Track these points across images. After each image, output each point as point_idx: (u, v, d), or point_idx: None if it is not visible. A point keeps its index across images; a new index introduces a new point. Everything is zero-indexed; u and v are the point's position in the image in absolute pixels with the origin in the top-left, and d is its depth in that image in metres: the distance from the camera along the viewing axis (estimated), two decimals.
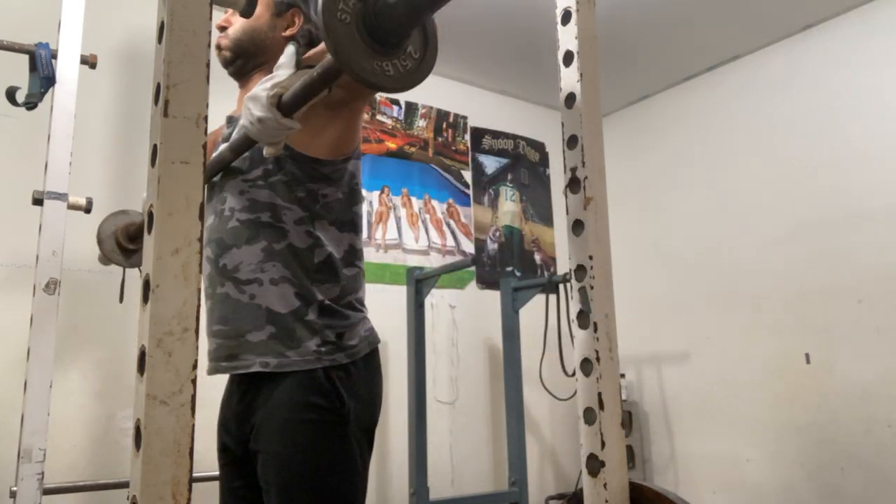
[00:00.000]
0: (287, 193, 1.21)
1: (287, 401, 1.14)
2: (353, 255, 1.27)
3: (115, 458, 2.44)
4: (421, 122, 3.67)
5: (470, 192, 3.81)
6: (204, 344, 1.09)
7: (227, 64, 1.36)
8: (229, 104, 1.43)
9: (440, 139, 3.74)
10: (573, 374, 1.03)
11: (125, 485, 2.09)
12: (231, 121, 1.37)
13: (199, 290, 0.64)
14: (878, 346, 2.92)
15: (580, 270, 0.98)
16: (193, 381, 0.62)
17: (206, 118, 0.67)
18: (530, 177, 4.12)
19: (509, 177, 4.01)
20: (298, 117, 1.03)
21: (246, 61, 1.34)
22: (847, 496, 2.95)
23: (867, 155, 3.06)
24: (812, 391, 3.13)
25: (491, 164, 3.94)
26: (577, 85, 1.02)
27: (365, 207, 3.31)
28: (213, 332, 1.23)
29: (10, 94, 1.89)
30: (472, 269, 3.68)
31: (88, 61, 1.99)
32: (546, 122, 4.19)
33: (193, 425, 0.61)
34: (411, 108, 3.64)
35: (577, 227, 1.00)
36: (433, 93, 3.68)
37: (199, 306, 0.64)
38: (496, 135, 4.00)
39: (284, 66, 1.09)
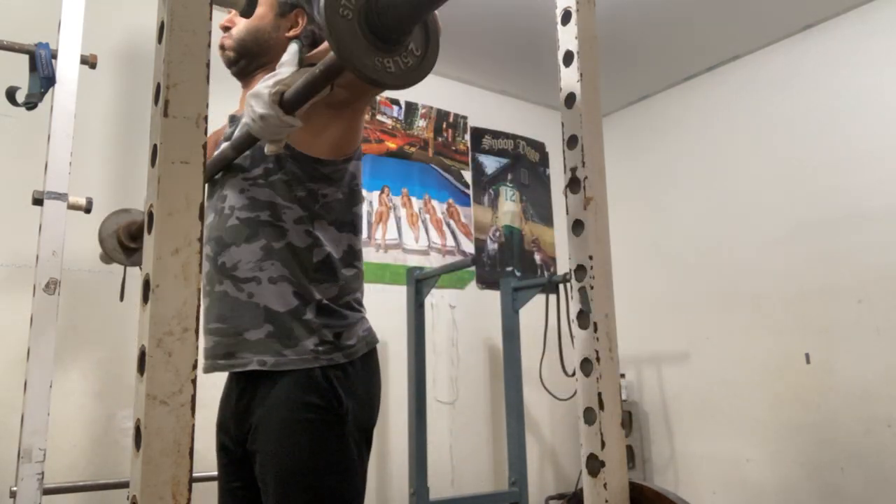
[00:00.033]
0: (287, 192, 1.21)
1: (284, 400, 1.14)
2: (352, 255, 1.27)
3: (115, 458, 2.44)
4: (421, 122, 3.67)
5: (470, 192, 3.81)
6: (201, 342, 1.09)
7: (230, 64, 1.36)
8: (229, 104, 1.43)
9: (440, 139, 3.74)
10: (573, 374, 1.03)
11: (125, 485, 2.09)
12: (234, 119, 1.37)
13: (199, 290, 0.64)
14: (878, 346, 2.92)
15: (580, 270, 0.98)
16: (193, 381, 0.62)
17: (206, 118, 0.67)
18: (530, 177, 4.12)
19: (509, 177, 4.01)
20: (300, 115, 1.04)
21: (249, 61, 1.35)
22: (847, 496, 2.95)
23: (867, 155, 3.06)
24: (812, 391, 3.13)
25: (491, 164, 3.94)
26: (577, 85, 1.02)
27: (365, 207, 3.31)
28: (210, 329, 1.23)
29: (10, 94, 1.89)
30: (472, 269, 3.68)
31: (88, 61, 1.99)
32: (546, 122, 4.19)
33: (193, 425, 0.61)
34: (411, 108, 3.64)
35: (577, 227, 1.00)
36: (433, 93, 3.68)
37: (199, 306, 0.64)
38: (496, 135, 4.00)
39: (287, 63, 1.09)
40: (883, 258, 2.95)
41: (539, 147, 4.19)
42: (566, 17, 1.06)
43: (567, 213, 1.02)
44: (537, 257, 4.02)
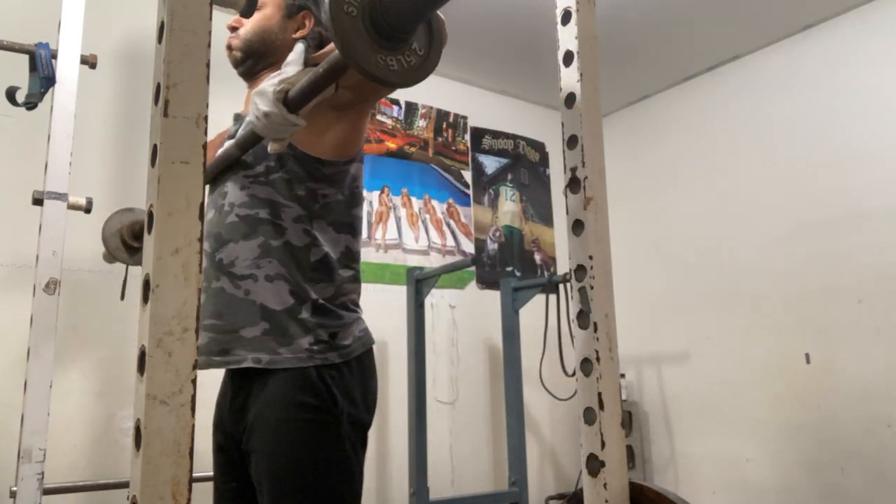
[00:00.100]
0: (287, 191, 1.21)
1: (279, 399, 1.14)
2: (349, 257, 1.27)
3: (115, 458, 2.44)
4: (421, 122, 3.67)
5: (470, 192, 3.81)
6: None
7: (237, 64, 1.37)
8: (230, 104, 1.43)
9: (440, 139, 3.74)
10: (573, 374, 1.03)
11: (125, 485, 2.09)
12: (238, 118, 1.37)
13: (199, 290, 0.64)
14: (878, 346, 2.92)
15: (580, 270, 0.98)
16: (193, 381, 0.62)
17: (206, 118, 0.67)
18: (530, 177, 4.12)
19: (509, 177, 4.01)
20: (304, 115, 1.04)
21: (256, 62, 1.35)
22: (847, 496, 2.95)
23: (867, 155, 3.06)
24: (812, 391, 3.13)
25: (491, 164, 3.94)
26: (577, 85, 1.02)
27: (365, 207, 3.31)
28: (205, 326, 1.23)
29: (10, 94, 1.89)
30: (472, 269, 3.68)
31: (88, 61, 1.99)
32: (546, 122, 4.19)
33: (193, 425, 0.61)
34: (411, 107, 3.64)
35: (577, 227, 1.00)
36: (433, 93, 3.68)
37: (198, 306, 0.64)
38: (496, 135, 4.00)
39: (293, 63, 1.10)
40: (883, 258, 2.95)
41: (539, 147, 4.19)
42: (566, 17, 1.06)
43: (567, 213, 1.02)
44: (537, 257, 4.02)
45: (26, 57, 1.90)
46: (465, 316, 3.59)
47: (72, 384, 2.41)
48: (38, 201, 1.82)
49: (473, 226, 3.77)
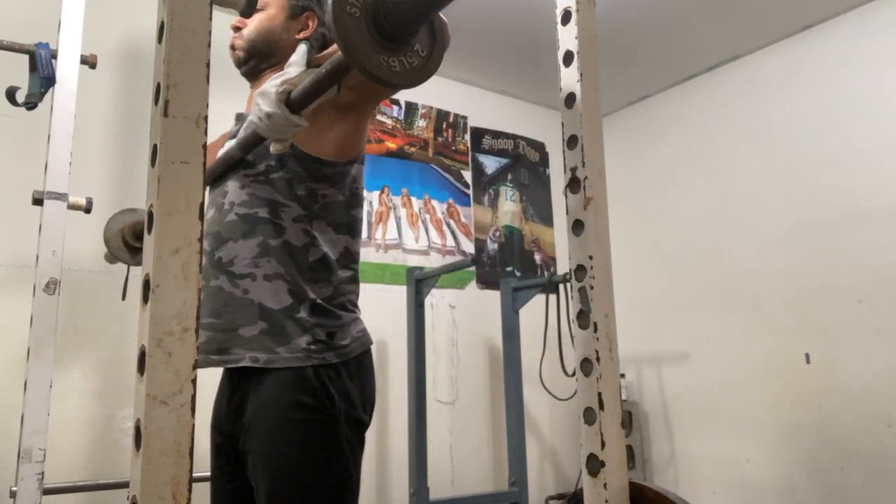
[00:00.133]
0: (287, 191, 1.21)
1: (276, 399, 1.14)
2: (348, 257, 1.27)
3: (115, 458, 2.44)
4: (421, 122, 3.67)
5: (470, 192, 3.81)
6: None
7: (240, 64, 1.37)
8: (230, 104, 1.43)
9: (440, 139, 3.74)
10: (573, 374, 1.03)
11: (125, 485, 2.09)
12: (240, 117, 1.37)
13: (199, 290, 0.64)
14: (878, 346, 2.92)
15: (580, 270, 0.98)
16: (193, 381, 0.62)
17: (206, 118, 0.67)
18: (530, 177, 4.12)
19: (509, 177, 4.01)
20: (306, 115, 1.04)
21: (259, 62, 1.35)
22: (847, 496, 2.95)
23: (867, 155, 3.06)
24: (812, 391, 3.13)
25: (491, 164, 3.94)
26: (577, 85, 1.02)
27: (365, 207, 3.31)
28: (203, 324, 1.23)
29: (10, 94, 1.89)
30: (472, 269, 3.68)
31: (88, 61, 1.99)
32: (546, 122, 4.19)
33: (193, 425, 0.61)
34: (411, 107, 3.64)
35: (577, 227, 1.00)
36: (433, 93, 3.68)
37: (198, 306, 0.64)
38: (496, 135, 4.00)
39: (296, 64, 1.10)
40: (883, 258, 2.95)
41: (539, 147, 4.19)
42: (566, 17, 1.06)
43: (567, 213, 1.02)
44: (537, 257, 4.02)
45: (26, 57, 1.90)
46: (465, 316, 3.59)
47: (72, 384, 2.41)
48: (38, 201, 1.82)
49: (473, 226, 3.77)
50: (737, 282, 3.49)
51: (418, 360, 3.00)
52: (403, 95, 3.58)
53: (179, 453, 0.60)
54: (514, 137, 4.08)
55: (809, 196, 3.24)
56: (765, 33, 3.44)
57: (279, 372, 1.15)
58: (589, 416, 0.94)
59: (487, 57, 3.65)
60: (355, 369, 1.21)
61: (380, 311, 3.19)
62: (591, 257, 0.97)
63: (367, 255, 3.26)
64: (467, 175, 3.82)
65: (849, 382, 3.01)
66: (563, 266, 4.06)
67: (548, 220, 4.14)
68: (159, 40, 0.68)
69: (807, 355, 3.16)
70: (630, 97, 4.17)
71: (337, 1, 0.80)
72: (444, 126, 3.77)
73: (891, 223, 2.95)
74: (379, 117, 3.51)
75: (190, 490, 0.60)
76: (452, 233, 3.67)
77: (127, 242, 1.73)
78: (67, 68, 1.91)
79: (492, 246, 3.83)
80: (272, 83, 1.04)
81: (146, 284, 0.63)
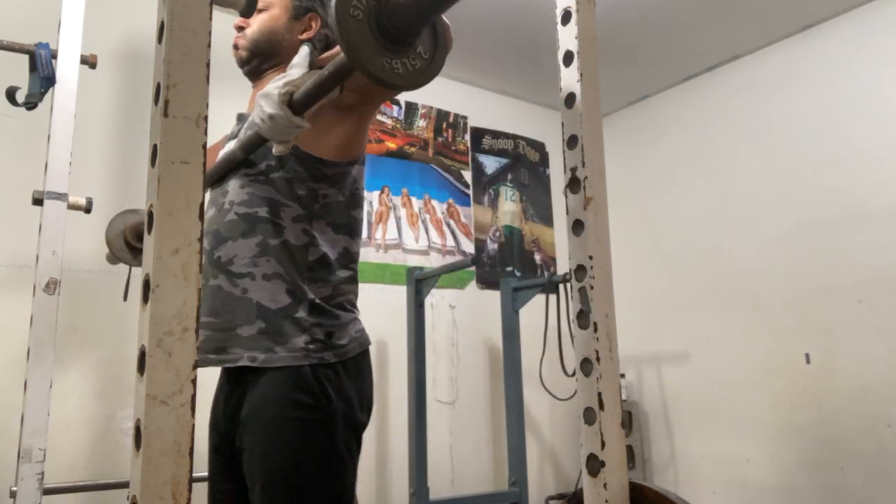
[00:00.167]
0: (288, 190, 1.21)
1: (273, 397, 1.14)
2: (348, 257, 1.27)
3: (115, 458, 2.44)
4: (421, 122, 3.67)
5: (470, 192, 3.81)
6: None
7: (242, 63, 1.37)
8: (230, 104, 1.44)
9: (440, 139, 3.74)
10: (573, 374, 1.03)
11: (125, 485, 2.09)
12: (241, 118, 1.37)
13: (199, 290, 0.64)
14: (878, 346, 2.92)
15: (580, 270, 0.98)
16: (193, 381, 0.62)
17: (206, 118, 0.67)
18: (530, 177, 4.12)
19: (509, 177, 4.01)
20: (308, 117, 1.04)
21: (261, 62, 1.35)
22: (847, 496, 2.95)
23: (867, 155, 3.06)
24: (812, 391, 3.13)
25: (491, 164, 3.94)
26: (577, 85, 1.02)
27: (365, 207, 3.31)
28: (202, 323, 1.22)
29: (10, 94, 1.89)
30: (472, 269, 3.68)
31: (88, 61, 1.99)
32: (546, 122, 4.19)
33: (193, 425, 0.61)
34: (411, 107, 3.64)
35: (577, 227, 1.00)
36: (433, 93, 3.68)
37: (198, 306, 0.64)
38: (496, 135, 4.00)
39: (298, 65, 1.10)
40: (883, 258, 2.95)
41: (539, 147, 4.19)
42: (566, 17, 1.06)
43: (567, 213, 1.02)
44: (537, 257, 4.02)
45: (26, 57, 1.90)
46: (465, 316, 3.59)
47: (72, 384, 2.41)
48: (38, 201, 1.82)
49: (473, 226, 3.77)
50: (737, 282, 3.49)
51: (418, 360, 3.00)
52: (403, 95, 3.58)
53: (179, 453, 0.60)
54: (514, 137, 4.08)
55: (809, 196, 3.24)
56: (765, 33, 3.44)
57: (277, 371, 1.15)
58: (589, 416, 0.94)
59: (487, 57, 3.65)
60: (353, 369, 1.21)
61: (380, 311, 3.19)
62: (591, 257, 0.97)
63: (367, 255, 3.26)
64: (467, 175, 3.82)
65: (849, 382, 3.01)
66: (563, 266, 4.06)
67: (548, 220, 4.14)
68: (159, 40, 0.68)
69: (807, 355, 3.16)
70: (630, 97, 4.17)
71: (340, 3, 0.80)
72: (444, 126, 3.77)
73: (891, 223, 2.95)
74: (379, 117, 3.51)
75: (190, 490, 0.60)
76: (452, 233, 3.67)
77: (129, 243, 1.73)
78: (67, 68, 1.91)
79: (492, 246, 3.83)
80: (274, 85, 1.04)
81: (146, 284, 0.63)
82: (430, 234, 3.58)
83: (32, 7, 2.49)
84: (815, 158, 3.25)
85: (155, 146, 0.65)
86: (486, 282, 3.72)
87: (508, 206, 3.97)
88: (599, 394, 0.93)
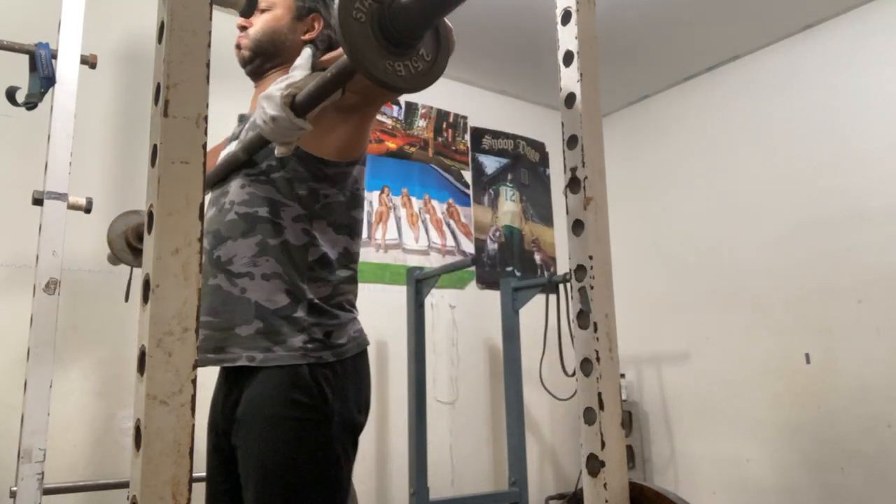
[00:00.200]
0: (288, 190, 1.22)
1: (270, 396, 1.14)
2: (348, 257, 1.27)
3: (115, 458, 2.44)
4: (421, 122, 3.67)
5: (470, 192, 3.81)
6: None
7: (245, 63, 1.37)
8: (230, 104, 1.44)
9: (440, 139, 3.74)
10: (573, 374, 1.03)
11: (125, 485, 2.09)
12: (243, 118, 1.38)
13: (199, 290, 0.64)
14: (878, 346, 2.92)
15: (580, 270, 0.98)
16: (193, 381, 0.62)
17: (206, 118, 0.67)
18: (530, 177, 4.12)
19: (509, 177, 4.01)
20: (310, 118, 1.04)
21: (264, 61, 1.36)
22: (847, 496, 2.95)
23: (867, 155, 3.06)
24: (812, 391, 3.13)
25: (491, 164, 3.94)
26: (577, 85, 1.02)
27: (365, 207, 3.32)
28: (201, 322, 1.22)
29: (10, 94, 1.89)
30: (472, 269, 3.68)
31: (88, 61, 1.99)
32: (546, 122, 4.19)
33: (193, 425, 0.61)
34: (411, 108, 3.64)
35: (577, 227, 1.00)
36: (433, 93, 3.65)
37: (198, 306, 0.64)
38: (496, 135, 4.00)
39: (300, 67, 1.11)
40: (883, 258, 2.95)
41: (539, 147, 4.19)
42: (566, 17, 1.06)
43: (567, 213, 1.02)
44: (537, 257, 4.02)
45: (26, 57, 1.90)
46: (465, 316, 3.59)
47: (72, 384, 2.41)
48: (38, 201, 1.83)
49: (473, 226, 3.77)
50: (737, 282, 3.49)
51: (418, 360, 3.00)
52: (403, 96, 3.58)
53: (179, 453, 0.60)
54: (514, 137, 4.08)
55: (809, 196, 3.24)
56: (765, 33, 3.44)
57: (274, 369, 1.15)
58: (589, 416, 0.94)
59: (487, 57, 3.65)
60: (351, 369, 1.21)
61: (380, 311, 3.19)
62: (591, 257, 0.97)
63: (367, 255, 3.26)
64: (467, 175, 3.82)
65: (849, 382, 3.01)
66: (563, 266, 4.06)
67: (548, 220, 4.14)
68: (159, 40, 0.68)
69: (807, 355, 3.16)
70: (630, 97, 4.17)
71: (343, 6, 0.80)
72: (444, 126, 3.77)
73: (891, 223, 2.95)
74: (379, 117, 3.51)
75: (190, 490, 0.60)
76: (452, 233, 3.67)
77: (130, 244, 1.73)
78: (67, 68, 1.91)
79: (492, 246, 3.83)
80: (277, 87, 1.05)
81: (146, 284, 0.63)
82: (430, 234, 3.58)
83: (32, 7, 2.49)
84: (815, 158, 3.25)
85: (155, 146, 0.65)
86: (486, 282, 3.72)
87: (508, 206, 3.97)
88: (599, 394, 0.93)
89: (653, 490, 0.94)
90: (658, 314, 3.85)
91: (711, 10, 3.21)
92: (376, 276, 3.30)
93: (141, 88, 2.73)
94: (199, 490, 1.31)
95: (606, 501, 0.89)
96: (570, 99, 1.03)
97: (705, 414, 3.57)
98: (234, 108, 1.45)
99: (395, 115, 3.58)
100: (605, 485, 0.90)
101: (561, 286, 3.10)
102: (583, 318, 0.97)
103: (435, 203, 3.64)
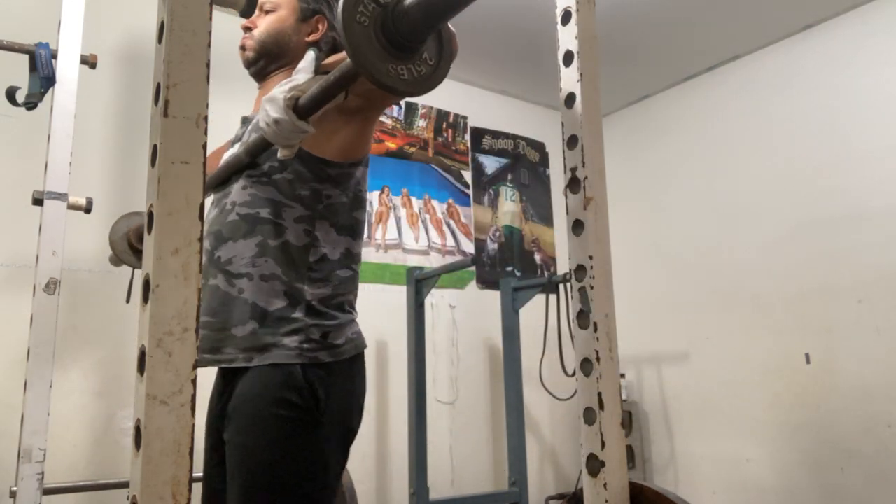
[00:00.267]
0: (290, 191, 1.22)
1: (261, 394, 1.13)
2: (349, 258, 1.27)
3: (115, 458, 2.44)
4: (421, 122, 3.67)
5: (470, 192, 3.81)
6: None
7: (249, 65, 1.38)
8: (230, 104, 1.44)
9: (440, 139, 3.74)
10: (573, 374, 1.03)
11: (125, 485, 2.09)
12: (246, 121, 1.38)
13: (199, 290, 0.64)
14: (878, 346, 2.92)
15: (580, 270, 0.98)
16: (193, 381, 0.62)
17: (206, 118, 0.67)
18: (530, 177, 4.12)
19: (509, 177, 4.01)
20: (313, 121, 1.04)
21: (268, 63, 1.36)
22: (847, 496, 2.95)
23: (867, 155, 3.06)
24: (812, 391, 3.13)
25: (491, 164, 3.94)
26: (577, 85, 1.02)
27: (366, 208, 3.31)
28: (200, 323, 1.22)
29: (10, 94, 1.89)
30: (472, 269, 3.68)
31: (88, 61, 1.99)
32: (546, 122, 4.19)
33: (193, 425, 0.61)
34: (411, 107, 3.64)
35: (577, 227, 1.00)
36: (433, 93, 3.65)
37: (198, 306, 0.64)
38: (496, 135, 4.00)
39: (304, 70, 1.11)
40: (883, 258, 2.95)
41: (539, 147, 4.19)
42: (566, 17, 1.06)
43: (567, 213, 1.02)
44: (537, 257, 4.02)
45: (26, 57, 1.91)
46: (465, 316, 3.59)
47: (72, 384, 2.41)
48: (38, 201, 1.83)
49: (473, 226, 3.77)
50: (737, 282, 3.49)
51: (418, 360, 3.00)
52: None
53: (179, 453, 0.60)
54: (514, 137, 4.08)
55: (809, 196, 3.24)
56: (765, 33, 3.44)
57: (268, 367, 1.15)
58: (589, 416, 0.94)
59: (487, 57, 3.65)
60: (347, 371, 1.20)
61: (380, 311, 3.19)
62: (591, 257, 0.97)
63: (367, 255, 3.26)
64: (467, 175, 3.82)
65: (849, 382, 3.01)
66: (563, 266, 4.06)
67: (548, 220, 4.14)
68: (159, 40, 0.68)
69: (807, 355, 3.16)
70: (630, 97, 4.17)
71: (346, 9, 0.81)
72: (444, 126, 3.77)
73: (891, 223, 2.95)
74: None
75: (190, 490, 0.60)
76: (452, 233, 3.67)
77: (132, 245, 1.73)
78: (67, 68, 1.91)
79: (492, 246, 3.83)
80: (280, 89, 1.05)
81: (146, 284, 0.63)
82: (430, 234, 3.58)
83: (32, 7, 2.49)
84: (815, 158, 3.25)
85: (155, 146, 0.65)
86: (486, 282, 3.72)
87: (508, 206, 3.97)
88: (599, 394, 0.93)
89: (653, 490, 0.94)
90: (658, 314, 3.85)
91: (711, 10, 3.21)
92: (376, 276, 3.30)
93: (141, 88, 2.73)
94: (199, 490, 1.31)
95: (606, 501, 0.89)
96: (570, 99, 1.03)
97: (705, 414, 3.57)
98: (235, 108, 1.45)
99: (395, 114, 3.58)
100: (605, 485, 0.90)
101: (561, 286, 3.10)
102: (583, 318, 0.97)
103: (435, 203, 3.64)
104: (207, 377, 1.21)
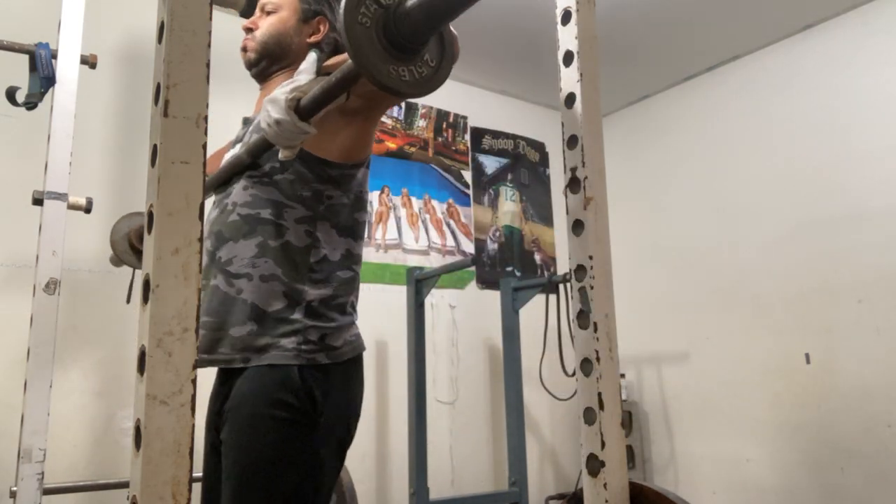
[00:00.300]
0: (291, 192, 1.22)
1: (257, 394, 1.13)
2: (350, 259, 1.27)
3: (115, 458, 2.44)
4: (421, 122, 3.67)
5: (470, 192, 3.81)
6: None
7: (250, 66, 1.38)
8: (230, 104, 1.44)
9: (440, 139, 3.74)
10: (573, 374, 1.03)
11: (125, 485, 2.09)
12: (247, 122, 1.38)
13: (199, 290, 0.64)
14: (878, 346, 2.92)
15: (580, 270, 0.98)
16: (193, 381, 0.62)
17: (206, 118, 0.67)
18: (530, 177, 4.12)
19: (509, 177, 4.01)
20: (314, 122, 1.04)
21: (269, 64, 1.36)
22: (847, 496, 2.95)
23: (867, 155, 3.06)
24: (812, 391, 3.13)
25: (491, 164, 3.94)
26: (577, 85, 1.02)
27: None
28: (199, 323, 1.22)
29: (10, 94, 1.89)
30: (472, 269, 3.68)
31: (88, 61, 1.99)
32: (546, 122, 4.19)
33: (193, 425, 0.61)
34: (411, 107, 3.64)
35: (577, 227, 1.00)
36: (433, 93, 3.68)
37: (198, 306, 0.64)
38: (496, 135, 4.00)
39: (305, 71, 1.11)
40: (883, 258, 2.95)
41: (539, 147, 4.19)
42: (566, 17, 1.06)
43: (567, 213, 1.02)
44: (537, 257, 4.02)
45: (26, 57, 1.91)
46: (465, 316, 3.59)
47: (72, 384, 2.41)
48: (38, 201, 1.83)
49: (473, 226, 3.77)
50: (737, 282, 3.49)
51: (418, 360, 3.00)
52: None
53: (179, 453, 0.60)
54: (514, 137, 4.08)
55: (809, 196, 3.24)
56: (765, 33, 3.44)
57: (265, 368, 1.15)
58: (589, 416, 0.94)
59: (487, 57, 3.65)
60: (344, 373, 1.20)
61: (380, 311, 3.19)
62: (591, 257, 0.97)
63: (367, 255, 3.26)
64: (467, 175, 3.82)
65: (849, 382, 3.01)
66: (563, 266, 4.06)
67: (548, 220, 4.14)
68: (159, 40, 0.68)
69: (807, 355, 3.16)
70: (630, 97, 4.17)
71: (348, 10, 0.81)
72: (444, 126, 3.77)
73: (891, 223, 2.95)
74: None
75: (190, 490, 0.60)
76: (452, 233, 3.67)
77: (133, 246, 1.73)
78: (67, 68, 1.91)
79: (492, 246, 3.83)
80: (281, 90, 1.05)
81: (146, 284, 0.63)
82: (430, 234, 3.58)
83: (32, 7, 2.49)
84: (815, 158, 3.25)
85: (155, 146, 0.65)
86: (486, 282, 3.72)
87: (508, 206, 3.97)
88: (599, 394, 0.93)
89: (653, 490, 0.94)
90: (658, 314, 3.85)
91: (711, 10, 3.21)
92: (376, 276, 3.30)
93: (141, 88, 2.73)
94: (199, 490, 1.31)
95: (606, 501, 0.89)
96: (570, 99, 1.03)
97: (705, 414, 3.57)
98: (235, 108, 1.45)
99: (395, 115, 3.58)
100: (605, 485, 0.90)
101: (561, 286, 3.10)
102: (583, 318, 0.97)
103: (435, 203, 3.64)
104: (207, 377, 1.21)
